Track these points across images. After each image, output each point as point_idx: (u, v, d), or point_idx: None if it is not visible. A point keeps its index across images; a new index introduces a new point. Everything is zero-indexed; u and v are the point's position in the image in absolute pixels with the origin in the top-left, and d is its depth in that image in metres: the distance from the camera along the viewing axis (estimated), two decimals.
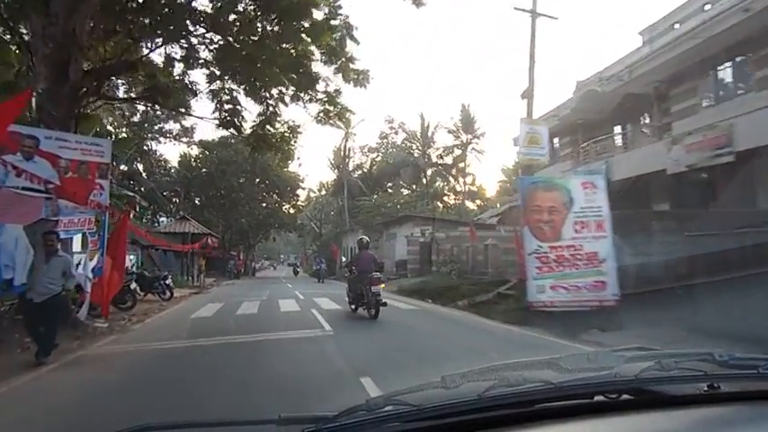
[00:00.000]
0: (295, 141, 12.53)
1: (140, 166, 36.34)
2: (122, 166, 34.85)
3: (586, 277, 8.38)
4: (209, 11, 9.15)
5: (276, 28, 9.66)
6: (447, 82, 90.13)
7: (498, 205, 37.28)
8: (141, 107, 33.74)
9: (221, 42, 10.27)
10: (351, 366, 4.96)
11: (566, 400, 1.03)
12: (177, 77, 9.87)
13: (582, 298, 8.38)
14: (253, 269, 42.49)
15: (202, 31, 9.78)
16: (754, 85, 11.10)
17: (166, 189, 37.18)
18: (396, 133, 45.50)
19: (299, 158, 47.21)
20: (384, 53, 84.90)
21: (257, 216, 37.97)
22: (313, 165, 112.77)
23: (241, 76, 10.76)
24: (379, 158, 45.64)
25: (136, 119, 34.38)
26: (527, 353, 5.27)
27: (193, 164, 37.25)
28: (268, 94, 11.19)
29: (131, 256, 15.40)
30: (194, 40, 10.36)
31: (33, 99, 6.99)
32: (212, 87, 10.95)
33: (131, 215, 24.85)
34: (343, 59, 9.49)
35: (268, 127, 12.15)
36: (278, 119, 11.82)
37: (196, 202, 38.57)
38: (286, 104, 10.79)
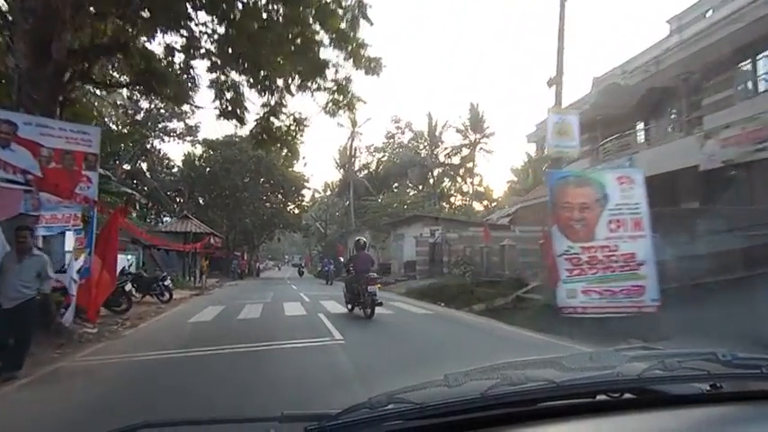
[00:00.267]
0: (301, 135, 11.80)
1: (144, 165, 35.94)
2: (125, 165, 34.53)
3: (622, 281, 7.57)
4: None
5: (282, 10, 8.93)
6: (455, 81, 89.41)
7: (507, 206, 36.38)
8: (145, 104, 33.67)
9: (223, 30, 9.56)
10: (367, 386, 4.20)
11: (568, 399, 1.02)
12: (175, 62, 9.14)
13: (617, 304, 7.58)
14: (257, 270, 41.83)
15: (204, 17, 9.09)
16: None
17: (170, 189, 36.71)
18: (402, 133, 44.88)
19: (304, 158, 46.53)
20: (390, 52, 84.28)
21: (262, 216, 37.40)
22: (318, 165, 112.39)
23: (244, 66, 10.05)
24: (386, 158, 44.95)
25: (139, 117, 33.95)
26: None
27: (197, 163, 36.74)
28: (273, 85, 10.46)
29: (129, 256, 14.72)
30: (195, 29, 9.68)
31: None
32: (213, 77, 10.21)
33: (130, 213, 24.51)
34: (355, 44, 8.73)
35: (272, 119, 11.45)
36: (283, 111, 11.09)
37: (200, 201, 38.09)
38: (292, 94, 10.04)
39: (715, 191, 11.68)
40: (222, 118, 10.00)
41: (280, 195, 38.31)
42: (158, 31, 9.42)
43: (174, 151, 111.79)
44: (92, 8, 7.81)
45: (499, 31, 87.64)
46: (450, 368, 0.99)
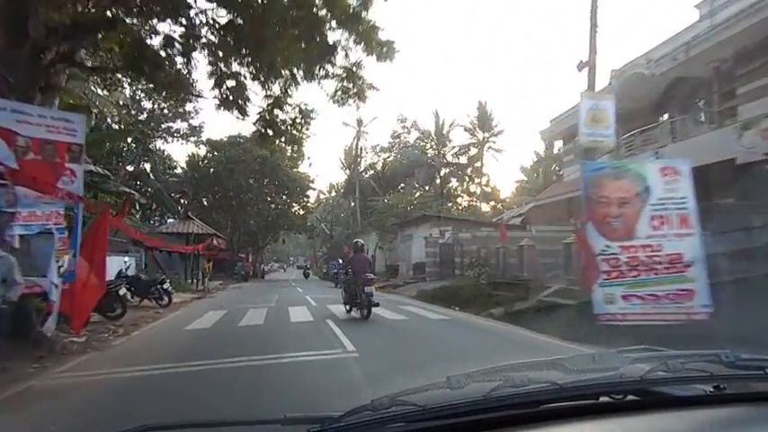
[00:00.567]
0: (307, 128, 11.04)
1: (148, 167, 35.42)
2: (129, 167, 33.99)
3: (668, 284, 6.75)
4: None
5: None
6: (462, 78, 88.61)
7: (516, 206, 35.50)
8: (148, 104, 33.13)
9: (224, 13, 8.85)
10: None
11: (571, 401, 1.02)
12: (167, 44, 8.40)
13: (662, 310, 6.76)
14: (262, 271, 41.20)
15: (204, 4, 8.37)
16: None
17: (174, 190, 36.20)
18: (408, 132, 44.05)
19: (309, 158, 45.90)
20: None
21: (266, 217, 36.79)
22: (323, 166, 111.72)
23: (246, 53, 9.32)
24: (392, 158, 44.20)
25: (142, 117, 33.40)
26: None
27: (201, 164, 36.20)
28: (277, 74, 9.71)
29: (126, 258, 14.02)
30: (195, 19, 8.97)
31: None
32: (213, 67, 9.48)
33: (131, 214, 23.86)
34: (366, 25, 7.97)
35: (277, 112, 10.71)
36: (288, 102, 10.34)
37: (204, 203, 37.57)
38: (298, 83, 9.28)
39: (753, 185, 10.81)
40: (222, 108, 9.26)
41: (284, 196, 37.68)
42: (155, 19, 8.75)
43: (178, 152, 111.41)
44: None
45: (507, 27, 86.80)
46: None
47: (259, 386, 4.49)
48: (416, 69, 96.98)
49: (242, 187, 34.89)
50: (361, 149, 43.84)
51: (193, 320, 9.62)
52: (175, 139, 35.44)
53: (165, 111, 33.58)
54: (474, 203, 42.14)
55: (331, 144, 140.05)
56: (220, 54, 9.45)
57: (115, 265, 13.49)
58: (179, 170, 37.37)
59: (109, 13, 7.11)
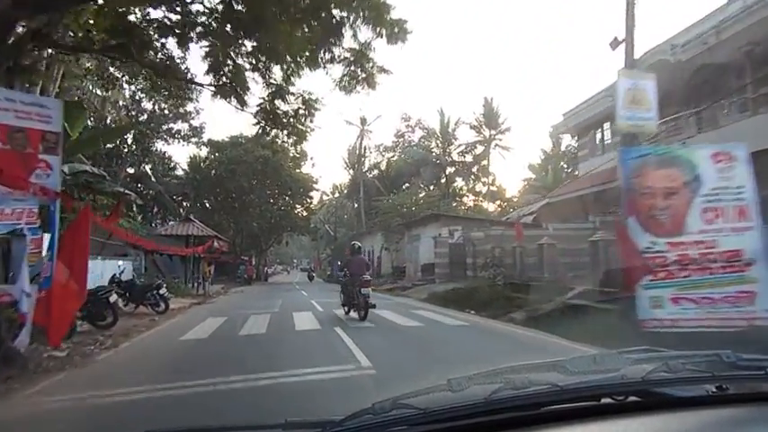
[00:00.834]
0: (311, 120, 10.28)
1: (149, 169, 34.79)
2: (129, 169, 33.35)
3: (725, 286, 5.94)
4: None
5: None
6: (467, 75, 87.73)
7: (524, 204, 34.62)
8: (148, 105, 32.46)
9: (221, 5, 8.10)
10: None
11: (572, 403, 1.02)
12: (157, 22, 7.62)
13: (719, 315, 5.94)
14: (265, 274, 40.47)
15: None
16: None
17: (176, 193, 35.57)
18: (412, 131, 43.28)
19: (311, 158, 45.24)
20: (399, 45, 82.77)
21: (269, 219, 36.07)
22: (326, 167, 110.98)
23: (245, 39, 8.56)
24: (396, 158, 43.41)
25: (143, 118, 32.75)
26: None
27: (203, 165, 35.54)
28: (277, 62, 8.94)
29: (121, 262, 13.27)
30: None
31: None
32: (209, 49, 8.71)
33: (132, 216, 23.15)
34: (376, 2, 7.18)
35: (278, 102, 9.95)
36: (291, 91, 9.58)
37: (206, 205, 36.93)
38: (301, 68, 8.50)
39: None
40: (219, 97, 8.50)
41: (287, 197, 36.96)
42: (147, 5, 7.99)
43: (179, 154, 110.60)
44: None
45: (513, 21, 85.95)
46: None
47: (259, 417, 3.69)
48: (421, 66, 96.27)
49: (244, 188, 34.24)
50: (365, 149, 43.13)
51: (190, 329, 8.84)
52: (176, 140, 34.80)
53: (166, 111, 33.00)
54: (480, 203, 41.29)
55: (334, 144, 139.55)
56: (217, 43, 8.72)
57: (109, 269, 12.77)
58: (180, 172, 36.83)
59: None
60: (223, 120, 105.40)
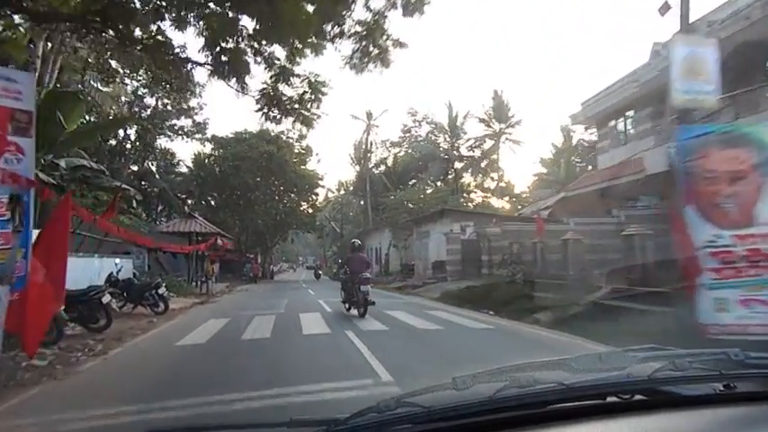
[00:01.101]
0: (318, 106, 9.49)
1: (153, 166, 34.23)
2: (133, 166, 32.78)
3: None
4: None
5: None
6: (476, 68, 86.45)
7: (540, 200, 33.64)
8: (151, 101, 31.85)
9: None
10: None
11: (578, 401, 1.02)
12: None
13: None
14: (271, 272, 39.83)
15: None
16: None
17: (180, 190, 35.04)
18: (419, 126, 42.36)
19: (317, 154, 44.47)
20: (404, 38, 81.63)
21: (274, 216, 35.42)
22: (331, 164, 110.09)
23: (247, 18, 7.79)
24: (403, 153, 42.55)
25: (145, 114, 32.16)
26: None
27: (207, 162, 34.93)
28: (280, 40, 8.13)
29: (117, 260, 12.57)
30: None
31: None
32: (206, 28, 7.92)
33: (136, 211, 22.49)
34: None
35: (282, 87, 9.18)
36: (296, 73, 8.80)
37: (211, 203, 36.36)
38: (307, 46, 7.70)
39: None
40: (216, 77, 7.72)
41: (293, 194, 36.27)
42: None
43: (183, 150, 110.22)
44: None
45: (520, 12, 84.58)
46: None
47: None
48: (428, 59, 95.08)
49: (249, 185, 33.64)
50: (372, 144, 42.30)
51: (189, 332, 8.09)
52: (180, 136, 34.23)
53: (169, 107, 32.43)
54: (487, 199, 40.33)
55: (339, 141, 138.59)
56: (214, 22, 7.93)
57: (106, 268, 12.09)
58: (184, 169, 36.29)
59: None
60: (227, 116, 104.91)
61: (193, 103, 32.58)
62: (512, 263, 13.13)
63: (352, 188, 47.61)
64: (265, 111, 9.56)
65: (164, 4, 7.43)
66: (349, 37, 7.33)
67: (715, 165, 5.40)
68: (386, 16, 6.98)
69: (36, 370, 5.50)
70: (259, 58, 8.70)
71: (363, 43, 7.28)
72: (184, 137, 34.38)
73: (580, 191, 17.78)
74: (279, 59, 8.78)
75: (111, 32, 7.67)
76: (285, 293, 18.60)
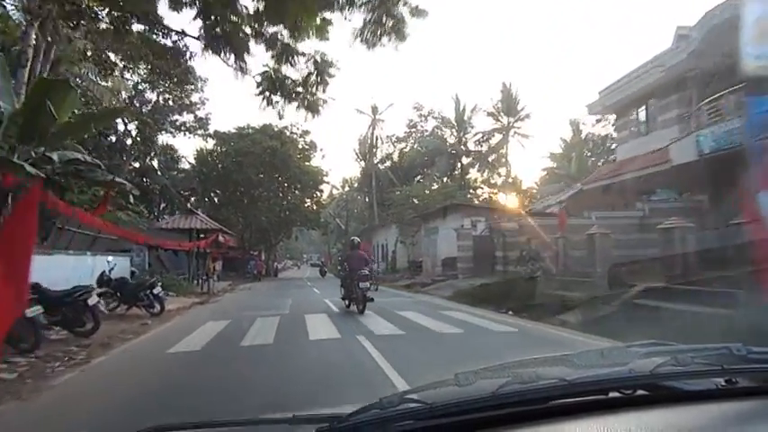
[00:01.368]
0: (324, 89, 8.72)
1: (155, 163, 33.61)
2: (135, 163, 32.16)
3: None
4: None
5: None
6: (483, 60, 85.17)
7: (550, 195, 32.70)
8: (152, 96, 31.18)
9: None
10: None
11: (580, 397, 1.01)
12: None
13: None
14: (275, 270, 39.17)
15: None
16: None
17: (183, 187, 34.44)
18: (425, 121, 41.45)
19: (321, 150, 43.71)
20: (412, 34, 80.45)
21: (278, 213, 34.74)
22: (335, 160, 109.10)
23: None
24: (408, 149, 41.69)
25: (146, 109, 31.52)
26: None
27: (209, 158, 34.29)
28: (283, 16, 7.33)
29: (110, 258, 11.84)
30: None
31: None
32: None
33: (136, 207, 21.79)
34: None
35: (286, 69, 8.41)
36: (300, 51, 8.02)
37: (215, 200, 35.75)
38: (313, 19, 6.90)
39: None
40: (210, 51, 6.95)
41: (297, 191, 35.55)
42: None
43: (185, 147, 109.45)
44: None
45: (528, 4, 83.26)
46: None
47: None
48: (433, 52, 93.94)
49: (252, 181, 33.00)
50: (377, 139, 41.45)
51: (184, 336, 7.35)
52: (181, 132, 33.57)
53: (170, 102, 31.79)
54: (494, 194, 39.40)
55: (343, 137, 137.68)
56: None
57: (100, 266, 11.36)
58: (187, 166, 35.70)
59: None
60: (229, 112, 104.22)
61: (195, 98, 31.99)
62: (530, 259, 12.31)
63: (356, 184, 46.84)
64: (267, 95, 8.80)
65: None
66: (360, 6, 6.52)
67: None
68: None
69: (2, 384, 4.77)
70: (260, 41, 7.94)
71: (376, 13, 6.46)
72: (186, 132, 33.75)
73: (598, 184, 16.91)
74: (282, 36, 7.97)
75: (104, 14, 6.91)
76: (289, 292, 17.86)
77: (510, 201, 38.42)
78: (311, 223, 38.47)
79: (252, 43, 7.28)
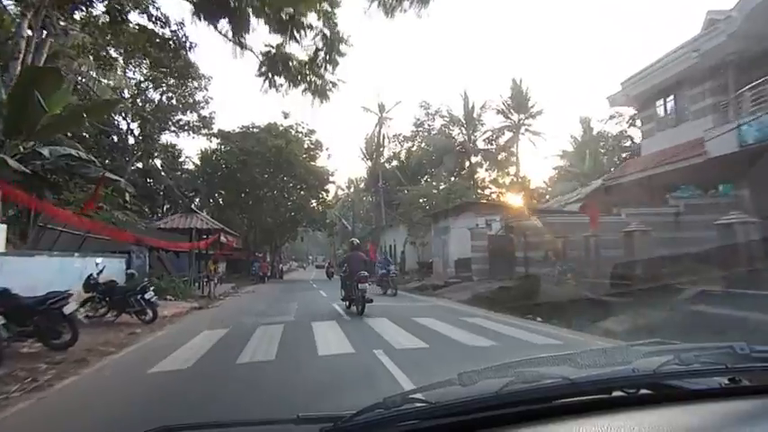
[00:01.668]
0: (333, 69, 7.74)
1: (158, 163, 32.87)
2: (138, 164, 31.38)
3: None
4: None
5: None
6: (492, 56, 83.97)
7: (568, 192, 31.55)
8: (155, 95, 30.39)
9: None
10: None
11: (584, 396, 1.00)
12: None
13: None
14: (280, 271, 38.25)
15: None
16: None
17: (187, 187, 33.70)
18: (433, 119, 40.39)
19: (327, 149, 42.79)
20: (416, 26, 79.60)
21: (283, 213, 33.89)
22: (341, 161, 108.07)
23: None
24: (415, 148, 40.67)
25: (149, 108, 30.77)
26: None
27: (213, 158, 33.53)
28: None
29: (99, 259, 10.88)
30: None
31: None
32: None
33: (132, 205, 20.95)
34: None
35: (290, 47, 7.45)
36: (307, 24, 7.06)
37: (219, 201, 34.99)
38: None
39: None
40: (201, 17, 5.96)
41: (302, 191, 34.68)
42: None
43: (190, 147, 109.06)
44: None
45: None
46: None
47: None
48: (441, 48, 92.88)
49: (257, 181, 32.22)
50: (384, 137, 40.47)
51: (173, 351, 6.36)
52: (185, 131, 32.80)
53: (174, 101, 31.04)
54: (503, 194, 38.26)
55: (350, 136, 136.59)
56: None
57: (90, 268, 10.43)
58: (191, 165, 34.96)
59: None
60: (233, 111, 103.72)
61: (199, 96, 31.22)
62: (558, 260, 11.25)
63: (363, 185, 45.90)
64: (269, 75, 7.83)
65: None
66: None
67: None
68: None
69: None
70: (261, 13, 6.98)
71: None
72: (190, 132, 32.99)
73: (625, 179, 15.83)
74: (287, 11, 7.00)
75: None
76: (295, 295, 16.89)
77: (520, 200, 37.39)
78: (317, 224, 37.59)
79: (250, 11, 6.30)
